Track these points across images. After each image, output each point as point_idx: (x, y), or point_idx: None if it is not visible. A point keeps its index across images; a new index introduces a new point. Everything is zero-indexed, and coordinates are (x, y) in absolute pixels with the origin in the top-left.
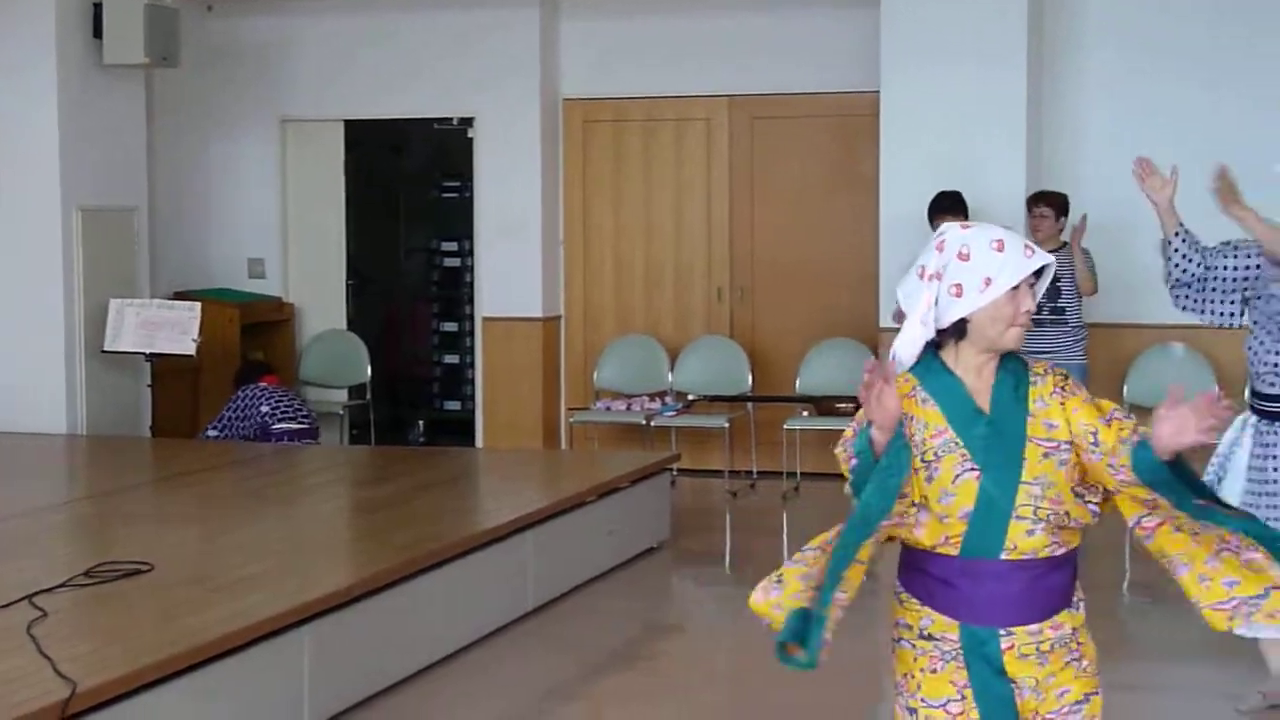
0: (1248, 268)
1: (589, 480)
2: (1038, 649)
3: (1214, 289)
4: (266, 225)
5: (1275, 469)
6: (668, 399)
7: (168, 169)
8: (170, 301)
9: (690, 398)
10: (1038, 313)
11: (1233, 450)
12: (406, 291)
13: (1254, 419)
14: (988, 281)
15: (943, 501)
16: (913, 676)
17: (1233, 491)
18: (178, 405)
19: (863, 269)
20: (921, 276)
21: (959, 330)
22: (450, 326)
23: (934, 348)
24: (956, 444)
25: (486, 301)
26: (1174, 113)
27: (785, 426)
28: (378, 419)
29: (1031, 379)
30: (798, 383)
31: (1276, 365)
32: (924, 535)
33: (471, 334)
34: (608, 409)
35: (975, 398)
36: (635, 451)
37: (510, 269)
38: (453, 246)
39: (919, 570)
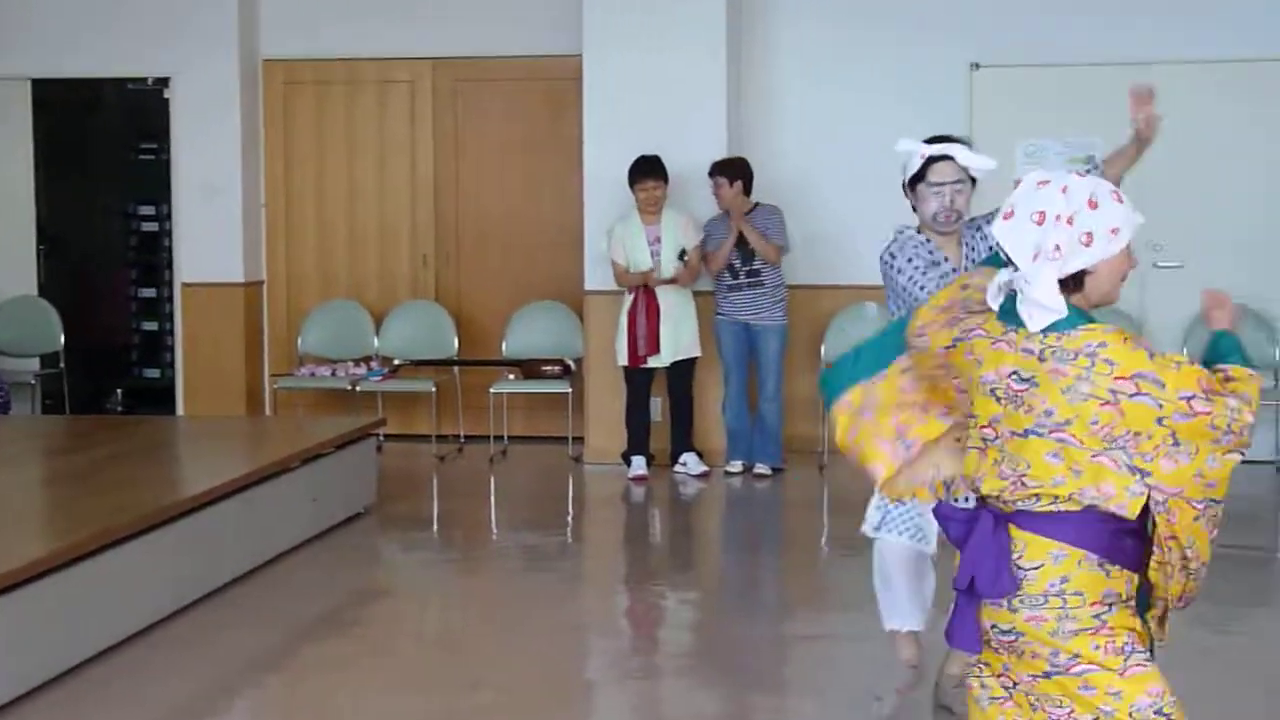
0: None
1: (292, 446)
2: None
3: None
4: None
5: None
6: (373, 364)
7: None
8: None
9: (396, 362)
10: (734, 276)
11: None
12: (102, 256)
13: None
14: (1114, 231)
15: None
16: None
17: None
18: None
19: (567, 232)
20: (1041, 222)
21: (1076, 281)
22: (149, 292)
23: None
24: None
25: (186, 267)
26: (866, 79)
27: (492, 390)
28: (73, 388)
29: None
30: (504, 346)
31: None
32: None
33: (171, 300)
34: (312, 375)
35: None
36: (340, 417)
37: (211, 233)
38: (150, 210)
39: (1114, 534)
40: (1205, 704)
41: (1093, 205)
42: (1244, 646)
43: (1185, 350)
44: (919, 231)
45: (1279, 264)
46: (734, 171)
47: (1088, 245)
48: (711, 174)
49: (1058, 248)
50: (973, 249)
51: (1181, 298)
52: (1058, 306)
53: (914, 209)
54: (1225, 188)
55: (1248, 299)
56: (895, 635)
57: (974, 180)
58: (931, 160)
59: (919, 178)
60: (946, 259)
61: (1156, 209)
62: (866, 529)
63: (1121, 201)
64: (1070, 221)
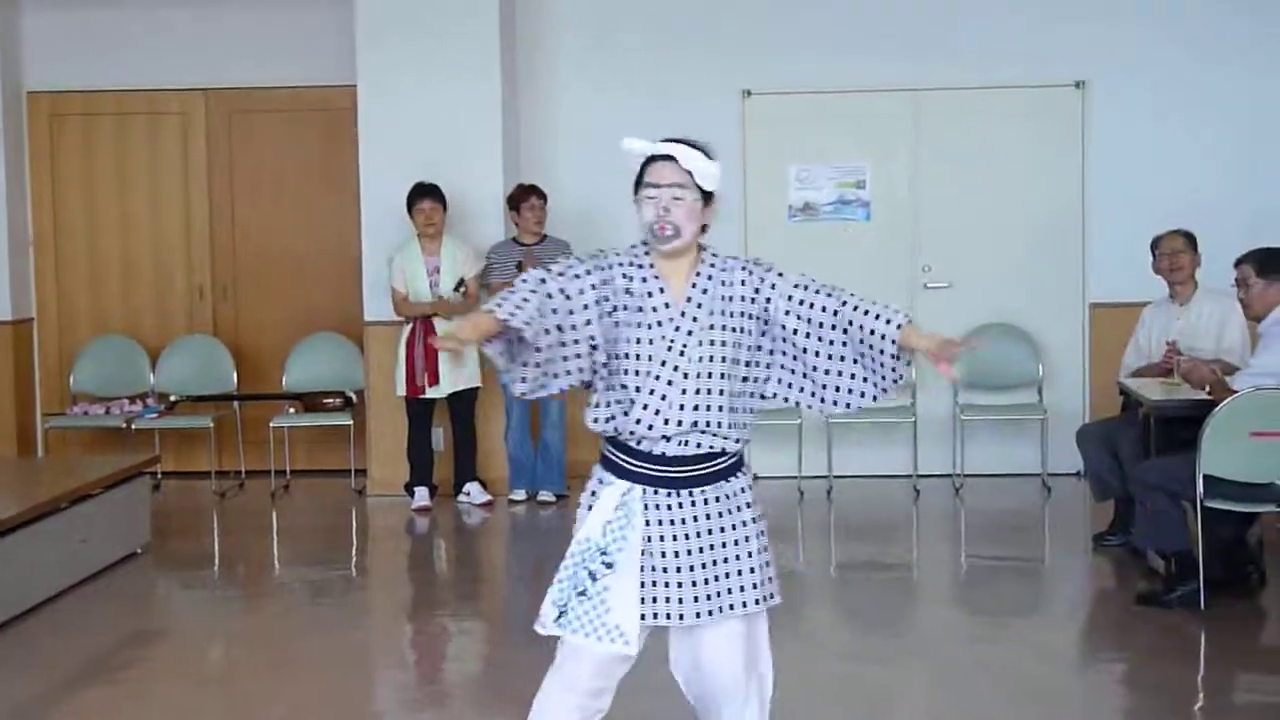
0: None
1: (58, 487)
2: None
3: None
4: None
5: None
6: (149, 401)
7: None
8: None
9: (173, 398)
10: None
11: (625, 531)
12: None
13: (640, 490)
14: None
15: None
16: None
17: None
18: None
19: (345, 263)
20: None
21: None
22: None
23: None
24: None
25: None
26: (641, 107)
27: (272, 424)
28: None
29: None
30: (284, 379)
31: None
32: None
33: None
34: (85, 413)
35: None
36: (114, 456)
37: None
38: None
39: None
40: (977, 716)
41: None
42: (1014, 657)
43: (953, 368)
44: (646, 253)
45: (1040, 284)
46: (545, 195)
47: None
48: (529, 194)
49: None
50: (704, 292)
51: (950, 317)
52: None
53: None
54: (989, 210)
55: (1011, 318)
56: None
57: (707, 196)
58: (651, 159)
59: (639, 181)
60: (662, 290)
61: (926, 231)
62: (539, 626)
63: None
64: None
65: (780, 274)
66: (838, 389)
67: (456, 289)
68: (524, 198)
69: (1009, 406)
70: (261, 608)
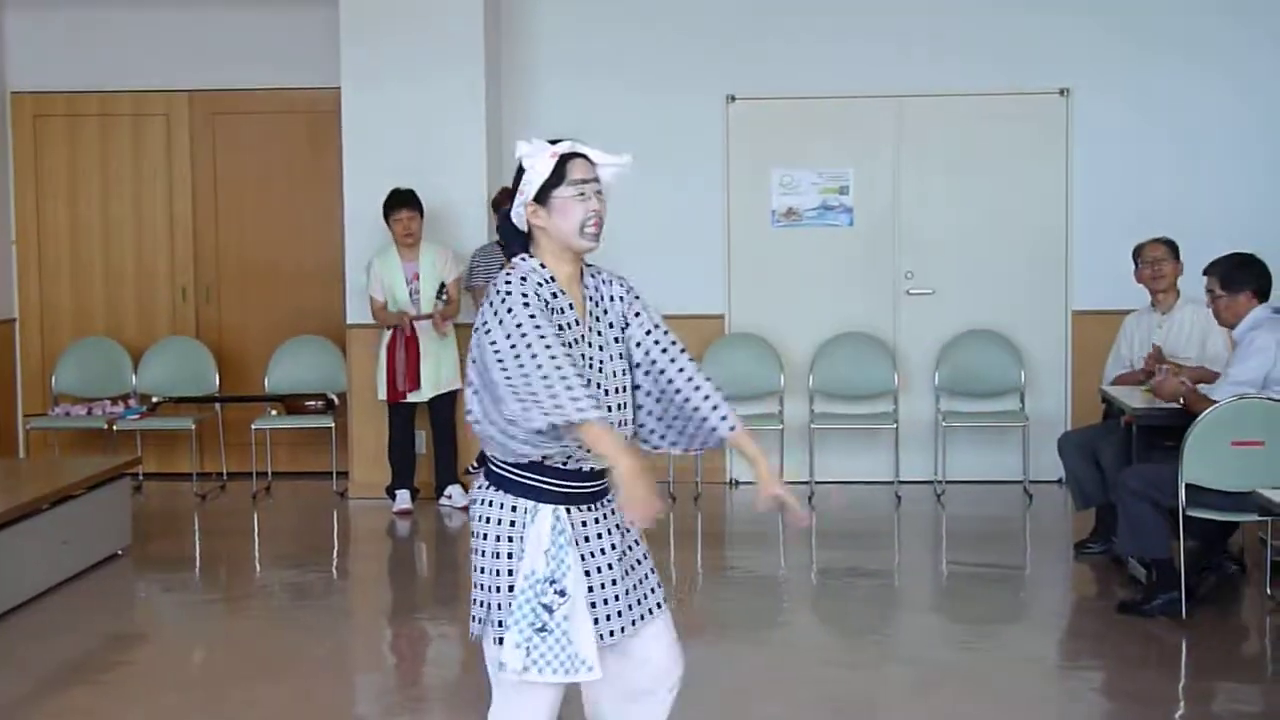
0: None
1: (40, 488)
2: None
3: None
4: None
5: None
6: (131, 402)
7: None
8: None
9: (155, 400)
10: None
11: (564, 554)
12: None
13: (564, 510)
14: None
15: None
16: None
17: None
18: None
19: (328, 266)
20: None
21: None
22: None
23: None
24: None
25: None
26: (626, 115)
27: (254, 426)
28: None
29: None
30: (266, 381)
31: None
32: None
33: None
34: (67, 414)
35: None
36: (96, 457)
37: None
38: None
39: None
40: None
41: None
42: (994, 665)
43: (936, 375)
44: (543, 266)
45: (1023, 291)
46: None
47: None
48: (509, 199)
49: None
50: (597, 304)
51: (932, 323)
52: None
53: (518, 247)
54: (972, 217)
55: (993, 324)
56: None
57: None
58: (568, 158)
59: (555, 181)
60: (571, 306)
61: (908, 237)
62: (509, 673)
63: None
64: None
65: (645, 305)
66: (649, 430)
67: (438, 295)
68: (508, 201)
69: (991, 413)
70: (242, 610)
